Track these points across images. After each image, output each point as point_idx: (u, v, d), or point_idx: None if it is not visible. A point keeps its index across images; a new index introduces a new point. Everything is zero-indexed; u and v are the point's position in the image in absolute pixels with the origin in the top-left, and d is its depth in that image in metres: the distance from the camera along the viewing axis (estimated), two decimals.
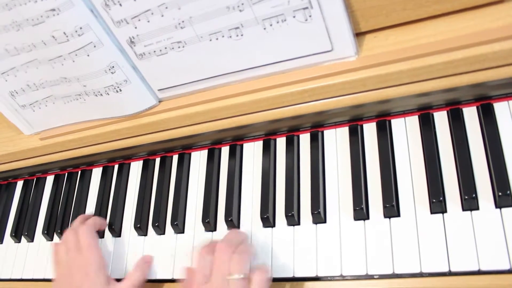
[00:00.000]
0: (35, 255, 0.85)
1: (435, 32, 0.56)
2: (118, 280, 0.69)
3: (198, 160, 0.78)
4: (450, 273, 0.54)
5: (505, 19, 0.53)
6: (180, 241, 0.73)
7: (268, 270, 0.59)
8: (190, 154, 0.79)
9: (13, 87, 0.74)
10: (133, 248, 0.76)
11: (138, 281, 0.69)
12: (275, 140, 0.73)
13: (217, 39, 0.60)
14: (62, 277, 0.71)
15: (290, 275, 0.62)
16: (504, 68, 0.55)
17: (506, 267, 0.52)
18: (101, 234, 0.80)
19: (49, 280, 0.81)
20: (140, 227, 0.76)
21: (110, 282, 0.68)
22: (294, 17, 0.56)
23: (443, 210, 0.57)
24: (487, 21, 0.54)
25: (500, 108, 0.60)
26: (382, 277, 0.58)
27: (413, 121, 0.64)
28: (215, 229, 0.71)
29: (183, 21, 0.59)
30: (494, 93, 0.60)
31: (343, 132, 0.68)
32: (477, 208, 0.56)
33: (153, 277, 0.72)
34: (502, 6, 0.54)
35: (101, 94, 0.69)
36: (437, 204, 0.57)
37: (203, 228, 0.71)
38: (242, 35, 0.59)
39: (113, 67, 0.65)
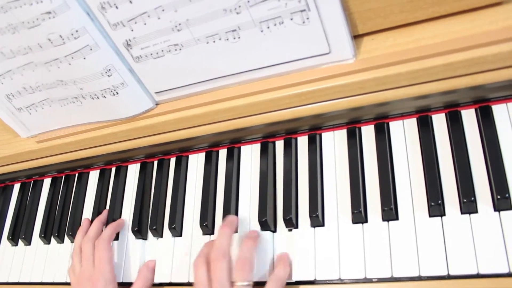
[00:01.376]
0: (32, 258, 0.85)
1: (434, 34, 0.56)
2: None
3: (196, 162, 0.77)
4: (448, 277, 0.54)
5: (503, 21, 0.53)
6: (178, 245, 0.72)
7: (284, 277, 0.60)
8: (187, 157, 0.79)
9: (9, 90, 0.73)
10: (131, 251, 0.76)
11: None
12: (273, 142, 0.72)
13: (214, 41, 0.60)
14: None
15: (289, 279, 0.62)
16: (503, 70, 0.54)
17: (505, 270, 0.52)
18: None
19: (46, 284, 0.81)
20: (138, 230, 0.76)
21: None
22: (291, 19, 0.56)
23: (442, 213, 0.57)
24: (486, 23, 0.54)
25: (499, 111, 0.59)
26: (381, 280, 0.58)
27: (412, 123, 0.64)
28: (213, 232, 0.70)
29: (179, 24, 0.59)
30: (493, 95, 0.59)
31: (341, 135, 0.67)
32: (476, 211, 0.56)
33: None
34: (501, 8, 0.54)
35: (98, 97, 0.69)
36: (436, 207, 0.57)
37: (201, 231, 0.71)
38: (239, 37, 0.59)
39: (109, 70, 0.65)
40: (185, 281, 0.69)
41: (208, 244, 0.65)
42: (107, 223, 0.79)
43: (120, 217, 0.80)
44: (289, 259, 0.63)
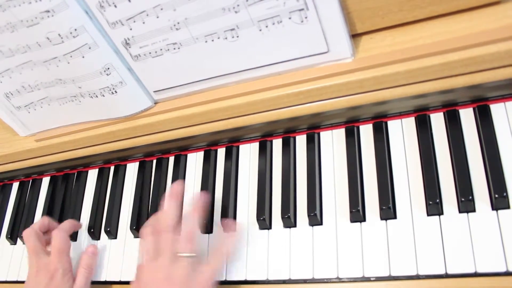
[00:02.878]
0: None
1: (432, 33, 0.56)
2: None
3: (194, 161, 0.77)
4: (446, 275, 0.54)
5: (501, 20, 0.53)
6: None
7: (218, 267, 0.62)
8: (186, 156, 0.79)
9: (8, 88, 0.73)
10: (129, 250, 0.76)
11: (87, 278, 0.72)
12: (271, 141, 0.72)
13: (212, 40, 0.60)
14: (30, 279, 0.71)
15: (287, 277, 0.62)
16: (501, 69, 0.55)
17: (503, 269, 0.52)
18: (96, 236, 0.79)
19: None
20: (137, 229, 0.76)
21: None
22: (290, 18, 0.56)
23: (440, 212, 0.57)
24: (484, 22, 0.54)
25: (497, 110, 0.59)
26: (379, 279, 0.58)
27: (410, 122, 0.64)
28: (211, 231, 0.71)
29: (178, 23, 0.59)
30: (491, 94, 0.59)
31: (340, 134, 0.67)
32: (474, 210, 0.56)
33: None
34: (499, 7, 0.54)
35: (97, 96, 0.69)
36: (434, 206, 0.57)
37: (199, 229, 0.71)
38: (237, 36, 0.59)
39: (108, 68, 0.65)
40: None
41: (156, 214, 0.66)
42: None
43: (119, 215, 0.80)
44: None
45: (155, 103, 0.71)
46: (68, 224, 0.77)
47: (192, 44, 0.61)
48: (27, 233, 0.75)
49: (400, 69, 0.56)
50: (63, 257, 0.71)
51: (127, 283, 0.73)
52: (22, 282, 0.83)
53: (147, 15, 0.59)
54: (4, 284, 0.85)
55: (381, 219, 0.60)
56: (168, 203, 0.65)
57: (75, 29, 0.61)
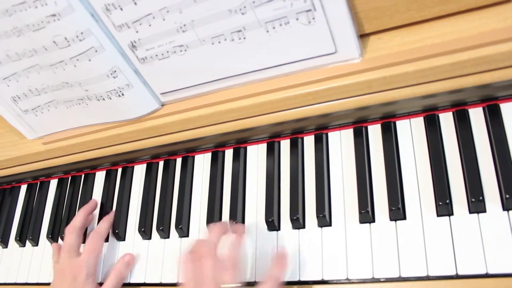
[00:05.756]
0: (40, 259, 0.85)
1: (441, 33, 0.55)
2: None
3: (202, 163, 0.77)
4: (457, 276, 0.54)
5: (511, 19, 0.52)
6: (184, 245, 0.72)
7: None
8: (193, 157, 0.79)
9: (15, 92, 0.74)
10: (138, 252, 0.76)
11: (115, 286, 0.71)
12: (279, 142, 0.72)
13: (219, 42, 0.60)
14: (57, 276, 0.72)
15: (296, 279, 0.62)
16: (511, 69, 0.54)
17: None
18: (105, 239, 0.79)
19: None
20: (145, 231, 0.76)
21: None
22: (297, 19, 0.55)
23: (450, 213, 0.57)
24: (494, 21, 0.53)
25: (507, 109, 0.59)
26: (389, 280, 0.57)
27: (419, 122, 0.63)
28: None
29: (184, 25, 0.59)
30: (501, 93, 0.59)
31: (348, 134, 0.67)
32: (484, 211, 0.55)
33: (158, 281, 0.72)
34: (509, 5, 0.53)
35: (103, 99, 0.69)
36: (444, 206, 0.56)
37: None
38: (244, 38, 0.58)
39: (115, 71, 0.65)
40: None
41: (199, 241, 0.64)
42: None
43: (127, 217, 0.80)
44: (286, 258, 0.62)
45: (162, 105, 0.71)
46: (105, 224, 0.77)
47: (199, 46, 0.61)
48: (69, 229, 0.75)
49: (409, 69, 0.56)
50: (92, 260, 0.72)
51: (136, 285, 0.73)
52: (31, 284, 0.84)
53: (154, 17, 0.59)
54: (13, 286, 0.86)
55: (391, 220, 0.60)
56: (214, 230, 0.63)
57: (81, 33, 0.60)
